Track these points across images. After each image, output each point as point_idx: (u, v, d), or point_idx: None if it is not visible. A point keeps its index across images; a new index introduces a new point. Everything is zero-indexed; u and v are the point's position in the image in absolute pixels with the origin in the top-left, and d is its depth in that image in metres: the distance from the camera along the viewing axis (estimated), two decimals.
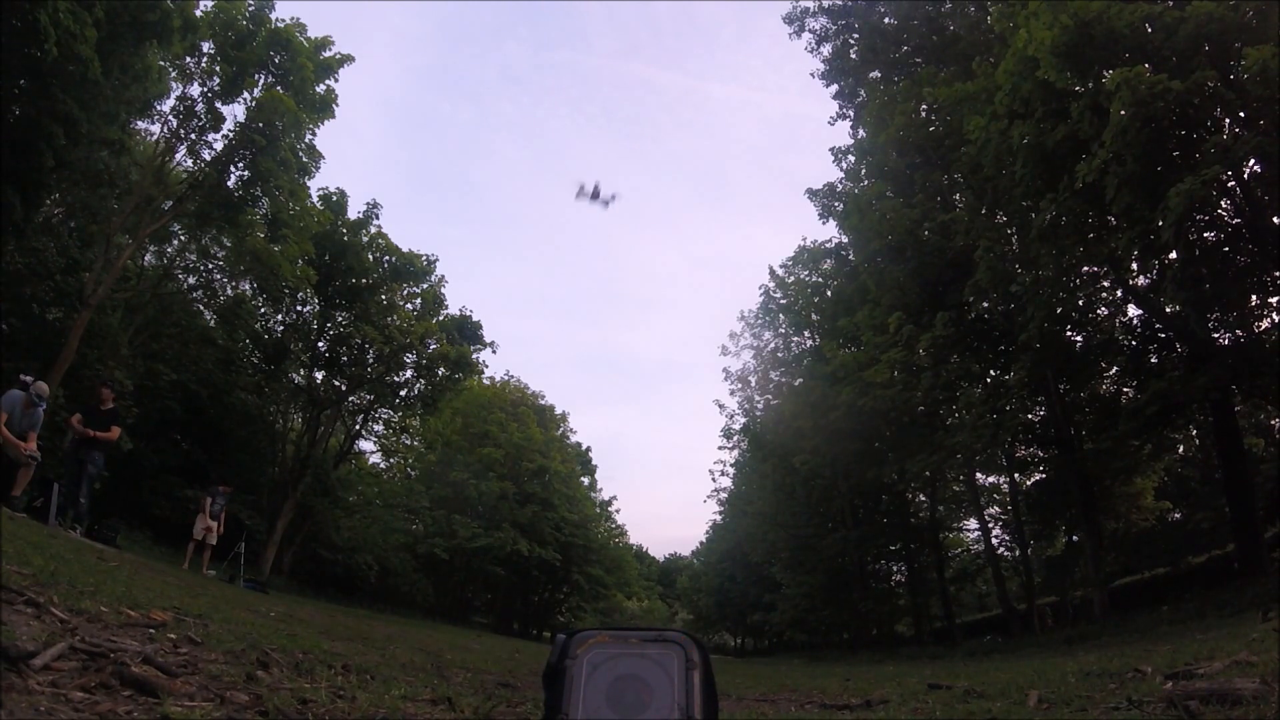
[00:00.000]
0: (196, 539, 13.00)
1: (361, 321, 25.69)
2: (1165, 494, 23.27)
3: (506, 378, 44.46)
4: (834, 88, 24.33)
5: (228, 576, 13.62)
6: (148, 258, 22.42)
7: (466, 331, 28.76)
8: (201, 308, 24.79)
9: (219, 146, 19.04)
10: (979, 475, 24.89)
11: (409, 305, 27.96)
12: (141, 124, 19.31)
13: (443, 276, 28.09)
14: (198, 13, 16.80)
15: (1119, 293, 17.30)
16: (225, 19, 18.11)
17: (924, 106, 19.64)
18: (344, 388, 27.39)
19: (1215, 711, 2.35)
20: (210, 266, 24.03)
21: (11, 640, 1.95)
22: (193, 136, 18.95)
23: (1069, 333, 17.57)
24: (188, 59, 18.01)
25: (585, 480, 49.80)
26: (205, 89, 18.59)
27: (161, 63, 17.02)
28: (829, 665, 15.54)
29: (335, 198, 25.37)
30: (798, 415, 24.39)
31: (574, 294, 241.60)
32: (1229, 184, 12.50)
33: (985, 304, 18.14)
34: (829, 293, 29.29)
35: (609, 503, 51.86)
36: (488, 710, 2.87)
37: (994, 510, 26.34)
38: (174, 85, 18.36)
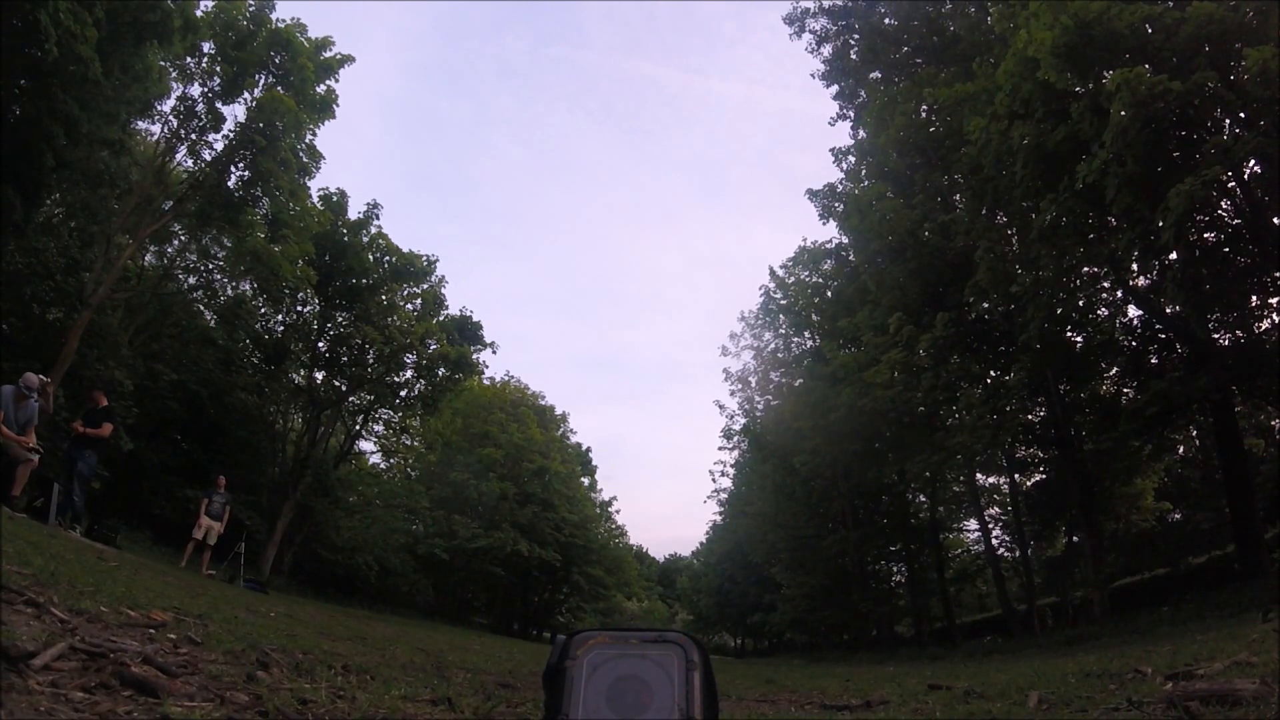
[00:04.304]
0: (196, 539, 12.97)
1: (362, 322, 25.68)
2: (1165, 495, 23.24)
3: (506, 378, 44.49)
4: (834, 88, 24.35)
5: (228, 576, 13.61)
6: (148, 258, 22.43)
7: (467, 332, 28.76)
8: (201, 308, 24.79)
9: (219, 147, 19.07)
10: (979, 476, 24.87)
11: (409, 305, 27.94)
12: (142, 124, 19.34)
13: (443, 277, 28.10)
14: (198, 13, 16.80)
15: (1119, 293, 17.29)
16: (225, 19, 18.12)
17: (924, 107, 19.64)
18: (344, 388, 27.37)
19: (1215, 712, 2.34)
20: (210, 267, 24.03)
21: (11, 640, 1.95)
22: (193, 136, 18.97)
23: (1069, 333, 17.56)
24: (188, 59, 18.02)
25: (585, 481, 49.74)
26: (205, 89, 18.60)
27: (162, 63, 17.03)
28: (829, 666, 15.54)
29: (335, 198, 25.38)
30: (798, 416, 24.37)
31: (574, 294, 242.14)
32: (1229, 185, 12.49)
33: (985, 305, 18.14)
34: (829, 293, 29.27)
35: (609, 503, 51.80)
36: (488, 711, 2.87)
37: (994, 511, 26.32)
38: (174, 85, 18.39)
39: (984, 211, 17.30)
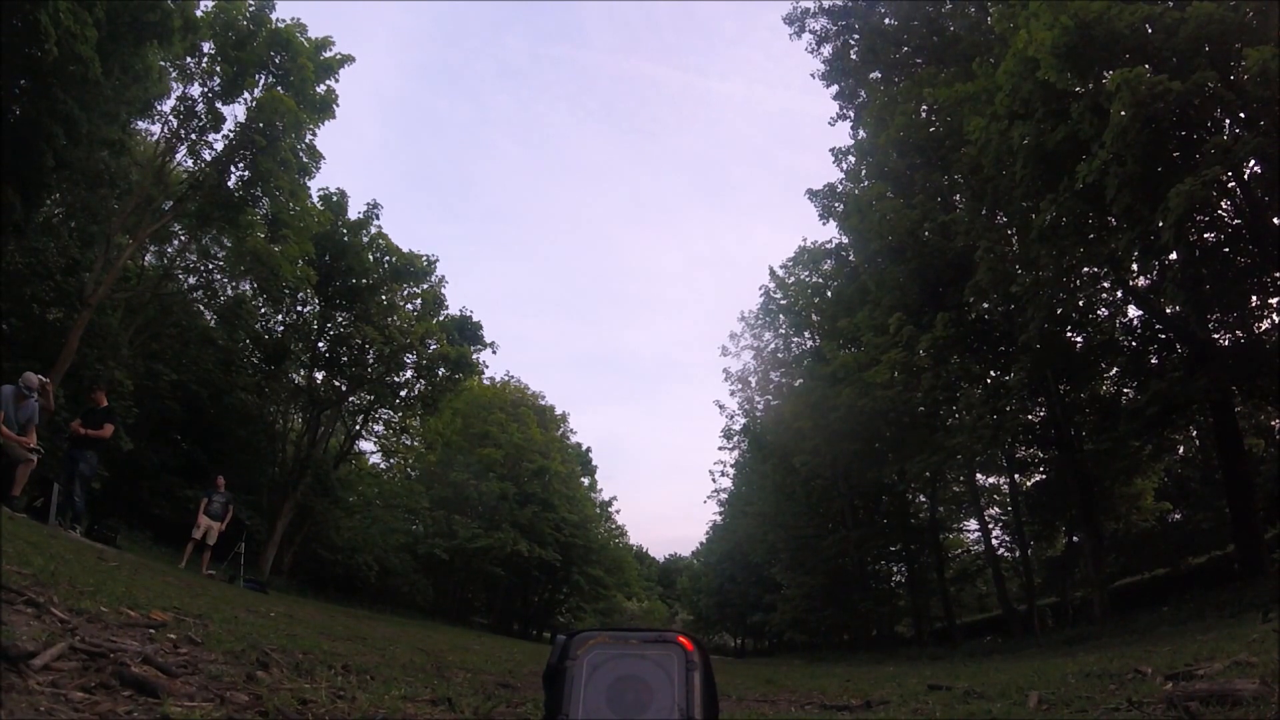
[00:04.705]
0: (195, 539, 12.95)
1: (362, 322, 25.69)
2: (1165, 495, 23.24)
3: (506, 378, 44.52)
4: (834, 88, 24.36)
5: (228, 576, 13.60)
6: (148, 258, 22.44)
7: (467, 332, 28.78)
8: (201, 308, 24.80)
9: (219, 146, 19.08)
10: (979, 476, 24.88)
11: (409, 305, 27.97)
12: (142, 124, 19.37)
13: (443, 277, 28.14)
14: (198, 13, 16.81)
15: (1119, 293, 17.29)
16: (225, 19, 18.12)
17: (924, 107, 19.64)
18: (344, 388, 27.38)
19: (1215, 712, 2.34)
20: (210, 266, 24.04)
21: (11, 640, 1.95)
22: (193, 136, 18.97)
23: (1069, 333, 17.56)
24: (188, 59, 18.02)
25: (585, 481, 49.78)
26: (205, 89, 18.60)
27: (162, 63, 17.03)
28: (829, 666, 15.53)
29: (335, 198, 25.39)
30: (798, 416, 24.37)
31: (574, 294, 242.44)
32: (1229, 185, 12.49)
33: (985, 305, 18.14)
34: (829, 293, 29.30)
35: (609, 503, 51.85)
36: (488, 711, 2.87)
37: (994, 511, 26.33)
38: (174, 85, 18.40)
39: (984, 211, 17.30)
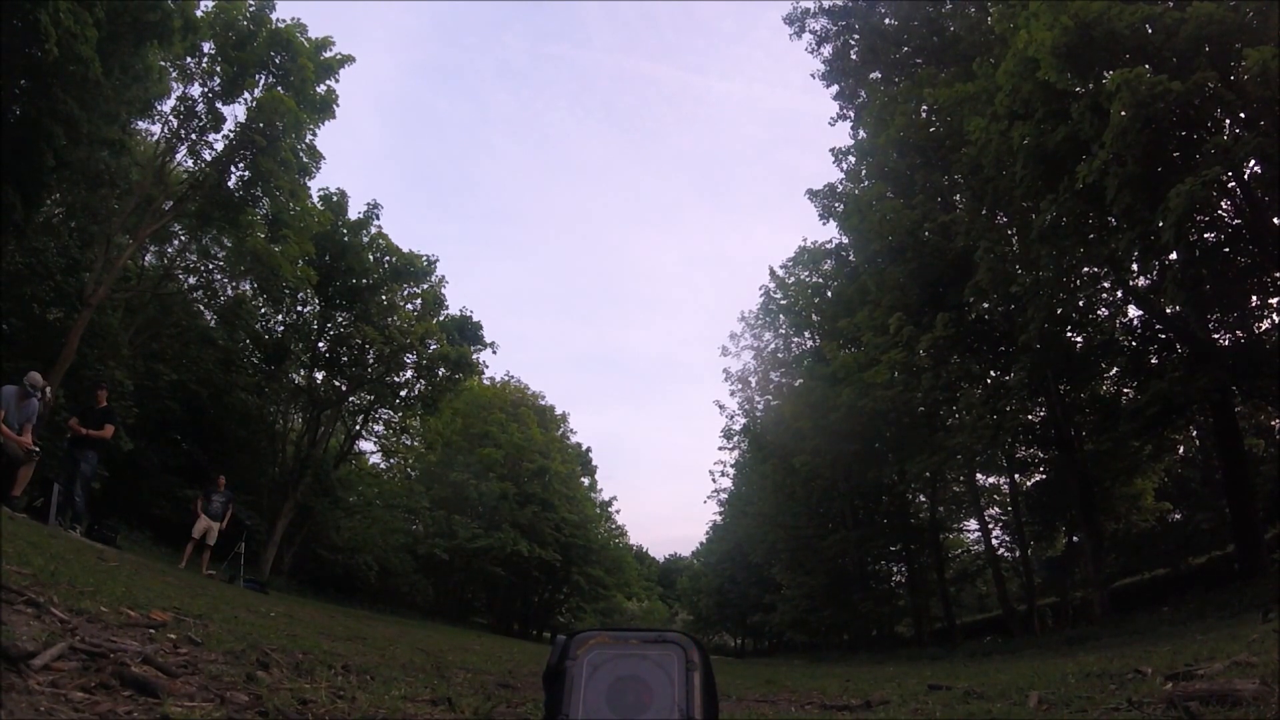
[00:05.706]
0: (195, 538, 12.94)
1: (362, 322, 25.67)
2: (1165, 495, 23.24)
3: (507, 378, 44.52)
4: (834, 88, 24.38)
5: (228, 576, 13.60)
6: (148, 258, 22.42)
7: (467, 332, 28.77)
8: (201, 308, 24.79)
9: (219, 147, 19.05)
10: (979, 476, 24.86)
11: (409, 306, 27.94)
12: (142, 124, 19.34)
13: (443, 277, 28.09)
14: (198, 13, 16.80)
15: (1119, 293, 17.29)
16: (226, 19, 18.12)
17: (924, 107, 19.65)
18: (344, 388, 27.37)
19: (1215, 712, 2.34)
20: (210, 266, 24.02)
21: (11, 640, 1.95)
22: (193, 136, 18.95)
23: (1069, 333, 17.56)
24: (188, 59, 18.01)
25: (585, 481, 49.75)
26: (206, 89, 18.59)
27: (162, 63, 17.03)
28: (829, 666, 15.54)
29: (335, 198, 25.37)
30: (798, 416, 24.38)
31: (574, 294, 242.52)
32: (1229, 185, 12.50)
33: (985, 305, 18.13)
34: (829, 293, 29.31)
35: (609, 503, 51.82)
36: (488, 711, 2.87)
37: (994, 511, 26.32)
38: (174, 85, 18.38)
39: (984, 211, 17.30)
